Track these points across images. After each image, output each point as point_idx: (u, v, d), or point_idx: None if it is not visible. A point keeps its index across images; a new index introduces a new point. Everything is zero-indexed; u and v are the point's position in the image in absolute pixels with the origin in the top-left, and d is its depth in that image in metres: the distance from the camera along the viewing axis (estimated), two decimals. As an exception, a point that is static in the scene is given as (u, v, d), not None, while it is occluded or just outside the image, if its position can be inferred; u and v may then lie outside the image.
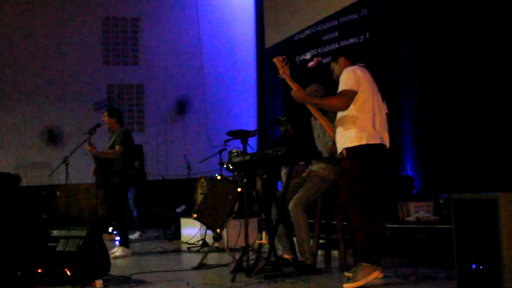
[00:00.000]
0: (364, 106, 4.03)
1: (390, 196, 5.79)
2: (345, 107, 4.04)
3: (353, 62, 4.25)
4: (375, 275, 3.91)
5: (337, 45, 8.31)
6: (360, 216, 3.96)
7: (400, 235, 5.22)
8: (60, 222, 9.43)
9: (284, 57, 4.34)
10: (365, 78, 4.08)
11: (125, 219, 6.38)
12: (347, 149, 4.02)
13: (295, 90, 4.24)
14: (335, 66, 4.35)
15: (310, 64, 7.38)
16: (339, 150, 4.12)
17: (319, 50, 8.79)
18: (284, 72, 4.29)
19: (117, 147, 6.23)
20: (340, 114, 4.14)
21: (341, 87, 4.06)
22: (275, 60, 4.33)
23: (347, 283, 3.89)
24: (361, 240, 3.97)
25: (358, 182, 3.97)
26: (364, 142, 3.97)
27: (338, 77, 4.22)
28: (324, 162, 4.72)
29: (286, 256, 4.75)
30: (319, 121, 4.87)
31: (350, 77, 4.05)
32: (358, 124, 4.01)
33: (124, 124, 6.64)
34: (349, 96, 4.02)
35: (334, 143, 4.30)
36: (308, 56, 9.05)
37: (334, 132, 4.22)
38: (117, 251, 6.19)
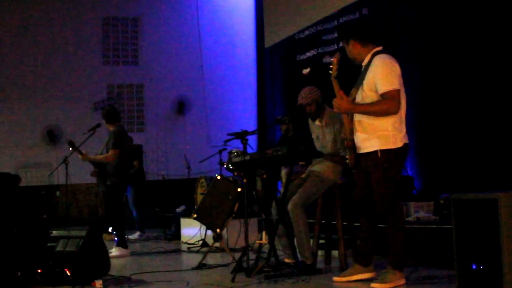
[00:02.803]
0: (400, 105, 3.83)
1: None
2: (397, 110, 3.77)
3: (370, 42, 3.97)
4: (402, 282, 3.83)
5: (336, 46, 8.29)
6: (401, 219, 3.88)
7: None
8: (60, 222, 9.43)
9: (341, 55, 3.94)
10: (400, 72, 3.84)
11: (122, 219, 6.39)
12: (385, 151, 3.80)
13: (339, 99, 3.88)
14: (357, 47, 3.98)
15: (305, 71, 7.13)
16: (366, 149, 3.89)
17: (319, 50, 8.78)
18: (336, 74, 3.89)
19: (110, 151, 6.28)
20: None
21: (386, 85, 3.76)
22: (335, 58, 3.88)
23: (374, 282, 3.84)
24: (398, 246, 3.84)
25: (396, 184, 3.85)
26: (400, 145, 3.83)
27: (356, 59, 3.98)
28: (324, 163, 4.71)
29: (287, 260, 4.74)
30: (317, 123, 4.86)
31: (392, 73, 3.78)
32: (394, 123, 3.81)
33: (120, 121, 6.62)
34: (398, 97, 3.77)
35: (350, 139, 4.00)
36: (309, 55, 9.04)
37: (352, 130, 3.97)
38: (114, 251, 6.20)
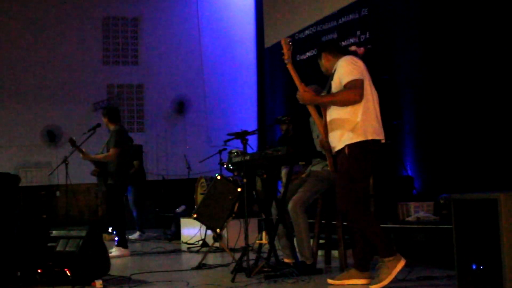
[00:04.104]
0: (366, 98, 3.80)
1: (390, 196, 5.79)
2: (361, 98, 3.76)
3: (339, 52, 4.08)
4: (400, 266, 3.73)
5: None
6: (366, 214, 3.80)
7: (400, 235, 5.21)
8: (60, 222, 9.43)
9: (290, 38, 4.01)
10: (364, 67, 3.88)
11: (123, 219, 6.39)
12: (352, 145, 3.76)
13: (302, 91, 3.93)
14: (329, 58, 4.11)
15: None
16: (338, 147, 3.87)
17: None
18: (288, 57, 3.94)
19: (111, 150, 6.29)
20: (337, 107, 3.85)
21: (347, 77, 3.79)
22: (282, 42, 3.96)
23: (372, 284, 3.78)
24: (375, 237, 3.77)
25: (362, 181, 3.79)
26: (369, 138, 3.77)
27: (328, 70, 4.07)
28: (324, 162, 4.71)
29: (286, 260, 4.74)
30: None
31: (353, 66, 3.82)
32: (362, 117, 3.77)
33: (120, 122, 6.65)
34: (361, 86, 3.76)
35: (326, 141, 4.00)
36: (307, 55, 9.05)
37: (326, 130, 3.98)
38: (114, 251, 6.20)
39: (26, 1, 10.98)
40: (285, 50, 3.96)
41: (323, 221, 4.96)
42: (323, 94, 4.08)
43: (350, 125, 3.80)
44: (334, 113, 3.90)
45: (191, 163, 9.29)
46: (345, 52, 4.20)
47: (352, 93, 3.77)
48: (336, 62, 4.00)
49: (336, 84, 3.91)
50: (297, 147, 4.45)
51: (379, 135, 3.85)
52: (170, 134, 11.39)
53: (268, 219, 4.78)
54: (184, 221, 7.78)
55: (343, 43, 8.17)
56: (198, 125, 11.42)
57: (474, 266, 3.34)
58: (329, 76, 4.09)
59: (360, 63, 3.89)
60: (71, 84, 11.01)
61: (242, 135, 4.72)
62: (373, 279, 3.85)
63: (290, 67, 4.00)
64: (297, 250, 4.64)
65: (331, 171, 4.08)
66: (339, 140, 3.87)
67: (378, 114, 3.90)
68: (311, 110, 4.07)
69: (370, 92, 3.86)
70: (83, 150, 6.39)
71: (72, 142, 6.40)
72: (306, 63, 9.02)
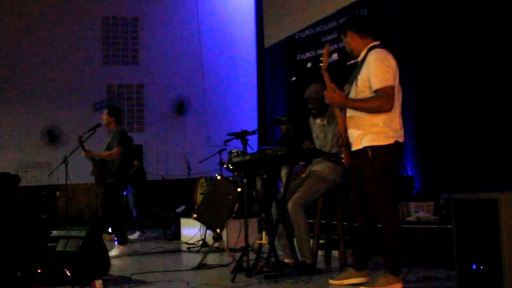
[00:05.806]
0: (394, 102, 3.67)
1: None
2: (391, 107, 3.62)
3: (368, 35, 3.84)
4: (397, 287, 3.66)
5: (336, 46, 8.30)
6: (395, 220, 3.69)
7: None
8: (60, 222, 9.43)
9: (330, 44, 3.90)
10: (396, 65, 3.68)
11: (122, 218, 6.39)
12: (375, 148, 3.66)
13: (331, 91, 3.79)
14: (355, 38, 3.87)
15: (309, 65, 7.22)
16: (357, 146, 3.76)
17: (319, 51, 8.78)
18: (326, 65, 3.83)
19: (115, 149, 6.28)
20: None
21: (380, 82, 3.62)
22: (325, 50, 3.84)
23: (364, 285, 3.76)
24: (393, 250, 3.66)
25: (390, 183, 3.71)
26: (391, 141, 3.65)
27: (353, 51, 3.88)
28: (325, 162, 4.71)
29: (287, 260, 4.73)
30: (318, 122, 4.87)
31: (387, 68, 3.64)
32: (386, 120, 3.65)
33: (122, 124, 6.68)
34: (393, 93, 3.62)
35: (344, 137, 3.89)
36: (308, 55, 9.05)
37: (345, 125, 3.85)
38: (113, 251, 6.19)
39: (26, 0, 10.98)
40: (325, 58, 3.86)
41: (323, 221, 4.96)
42: (346, 87, 3.88)
43: (372, 126, 3.69)
44: (356, 111, 3.77)
45: (191, 163, 9.29)
46: (375, 35, 3.90)
47: (383, 103, 3.62)
48: (364, 50, 3.81)
49: (364, 80, 3.72)
50: (297, 147, 4.45)
51: (400, 137, 3.74)
52: (170, 134, 11.40)
53: (268, 219, 4.78)
54: (184, 221, 7.78)
55: (342, 44, 8.14)
56: (198, 125, 11.42)
57: (474, 266, 3.34)
58: (353, 58, 3.91)
59: (393, 63, 3.69)
60: (71, 84, 11.01)
61: (242, 135, 4.72)
62: (368, 282, 3.83)
63: (325, 73, 3.86)
64: (297, 250, 4.64)
65: (346, 165, 3.97)
66: (359, 139, 3.76)
67: (400, 113, 3.77)
68: (336, 108, 3.94)
69: (399, 93, 3.73)
70: (86, 148, 6.38)
71: (80, 140, 6.39)
72: (306, 63, 9.02)
